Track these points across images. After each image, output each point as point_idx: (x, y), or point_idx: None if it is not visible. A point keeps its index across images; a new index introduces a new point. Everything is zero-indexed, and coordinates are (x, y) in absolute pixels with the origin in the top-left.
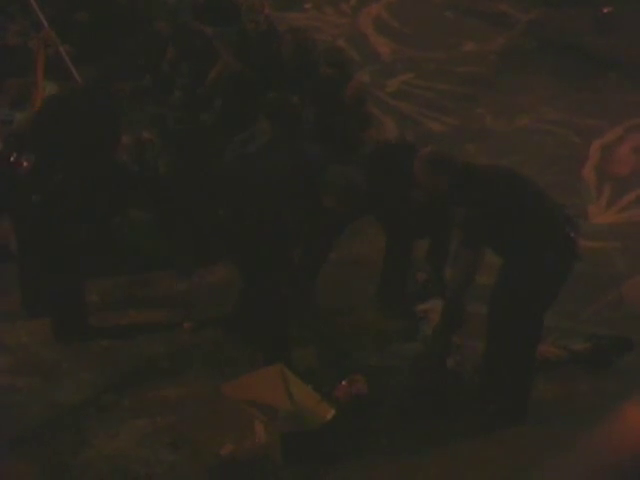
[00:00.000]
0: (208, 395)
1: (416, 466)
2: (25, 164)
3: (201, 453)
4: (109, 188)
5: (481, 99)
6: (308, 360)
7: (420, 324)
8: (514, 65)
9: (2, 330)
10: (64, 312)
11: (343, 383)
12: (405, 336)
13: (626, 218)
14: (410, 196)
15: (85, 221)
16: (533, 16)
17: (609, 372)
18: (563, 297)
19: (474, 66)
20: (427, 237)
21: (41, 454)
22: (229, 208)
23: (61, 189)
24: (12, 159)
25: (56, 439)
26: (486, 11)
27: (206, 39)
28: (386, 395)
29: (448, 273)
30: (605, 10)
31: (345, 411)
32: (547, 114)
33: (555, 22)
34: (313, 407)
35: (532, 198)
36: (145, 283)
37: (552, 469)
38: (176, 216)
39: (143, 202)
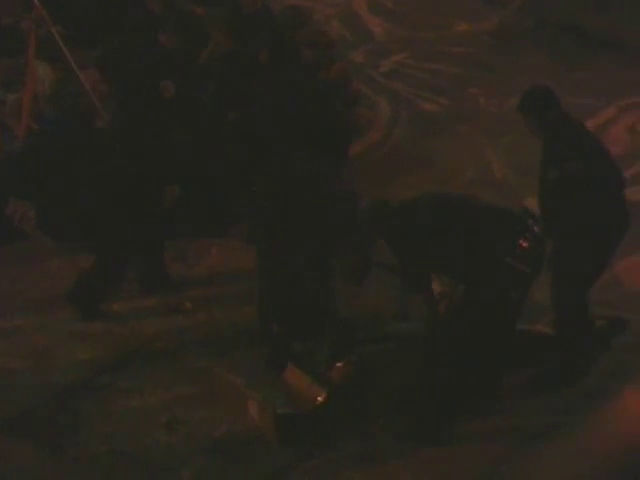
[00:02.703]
0: (203, 376)
1: (411, 449)
2: None
3: (196, 434)
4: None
5: (474, 79)
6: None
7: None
8: (508, 45)
9: None
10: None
11: (338, 365)
12: (399, 317)
13: None
14: None
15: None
16: None
17: (605, 352)
18: None
19: (468, 46)
20: None
21: (37, 435)
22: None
23: None
24: None
25: (52, 420)
26: None
27: (198, 19)
28: (380, 376)
29: None
30: None
31: (339, 393)
32: None
33: (549, 1)
34: (305, 389)
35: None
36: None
37: (551, 453)
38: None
39: None
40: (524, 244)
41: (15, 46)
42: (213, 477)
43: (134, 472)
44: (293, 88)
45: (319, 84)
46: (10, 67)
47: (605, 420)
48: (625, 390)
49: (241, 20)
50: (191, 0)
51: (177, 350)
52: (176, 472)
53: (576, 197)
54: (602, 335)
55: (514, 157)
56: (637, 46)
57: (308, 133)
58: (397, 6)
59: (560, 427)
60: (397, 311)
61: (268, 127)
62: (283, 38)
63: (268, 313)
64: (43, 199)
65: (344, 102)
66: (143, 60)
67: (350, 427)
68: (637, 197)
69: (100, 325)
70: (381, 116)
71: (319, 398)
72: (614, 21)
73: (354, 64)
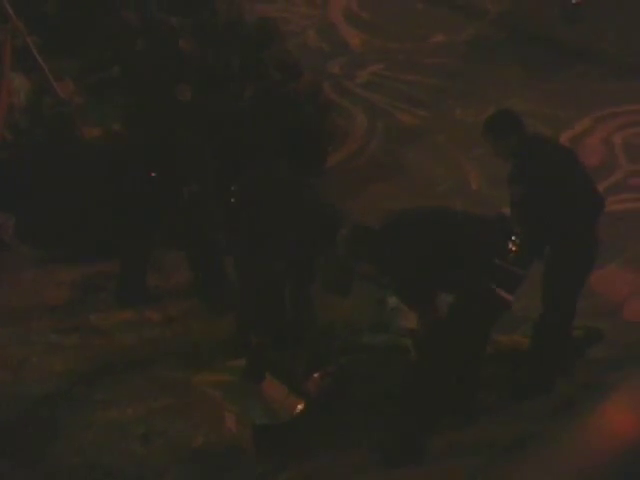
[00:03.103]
0: (179, 387)
1: (389, 460)
2: None
3: (173, 445)
4: None
5: (451, 90)
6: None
7: (391, 317)
8: (484, 56)
9: None
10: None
11: (314, 376)
12: (376, 328)
13: None
14: None
15: None
16: (503, 7)
17: (580, 362)
18: (534, 288)
19: (444, 57)
20: None
21: (12, 446)
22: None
23: None
24: None
25: (27, 431)
26: (455, 2)
27: (172, 30)
28: (356, 387)
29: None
30: (574, 1)
31: (316, 404)
32: (516, 105)
33: (525, 12)
34: (282, 400)
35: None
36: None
37: (531, 463)
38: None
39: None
40: (514, 247)
41: None
42: None
43: None
44: (262, 99)
45: (288, 93)
46: None
47: (583, 432)
48: (603, 401)
49: (215, 30)
50: (165, 9)
51: (154, 361)
52: None
53: (530, 218)
54: (578, 345)
55: (490, 168)
56: (611, 57)
57: (282, 143)
58: (373, 17)
59: (538, 438)
60: (375, 321)
61: (243, 137)
62: (251, 53)
63: (246, 323)
64: (26, 208)
65: (316, 111)
66: (159, 63)
67: (328, 438)
68: (614, 208)
69: (76, 336)
70: (357, 127)
71: (297, 409)
72: (589, 32)
73: (330, 75)
